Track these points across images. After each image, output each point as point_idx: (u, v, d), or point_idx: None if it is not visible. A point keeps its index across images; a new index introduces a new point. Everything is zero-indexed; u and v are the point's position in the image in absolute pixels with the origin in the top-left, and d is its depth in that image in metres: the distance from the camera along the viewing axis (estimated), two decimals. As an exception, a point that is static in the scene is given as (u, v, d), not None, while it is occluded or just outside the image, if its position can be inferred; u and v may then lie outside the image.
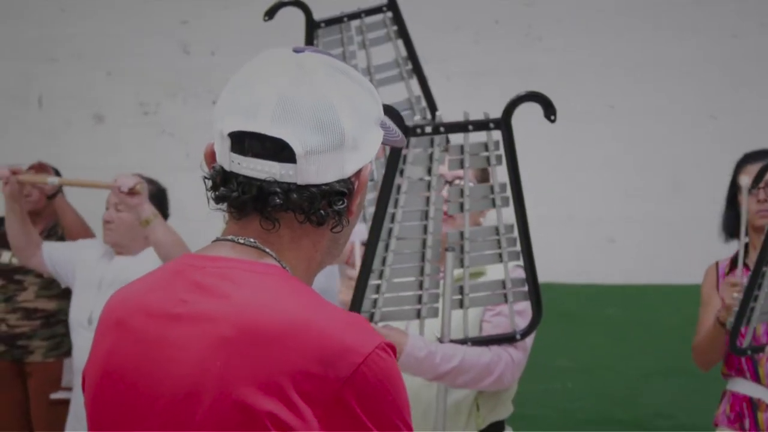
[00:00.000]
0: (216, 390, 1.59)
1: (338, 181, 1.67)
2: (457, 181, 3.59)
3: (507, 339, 3.62)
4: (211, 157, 1.72)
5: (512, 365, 3.60)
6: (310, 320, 1.61)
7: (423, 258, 3.51)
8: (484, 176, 3.68)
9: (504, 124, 3.48)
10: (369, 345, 1.60)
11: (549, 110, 3.46)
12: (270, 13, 4.27)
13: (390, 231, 3.46)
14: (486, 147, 3.52)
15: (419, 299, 3.55)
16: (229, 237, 1.71)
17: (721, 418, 4.33)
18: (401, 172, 3.44)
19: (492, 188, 3.55)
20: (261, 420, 1.56)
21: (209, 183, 1.70)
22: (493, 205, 3.56)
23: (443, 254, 3.54)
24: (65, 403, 5.23)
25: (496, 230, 3.57)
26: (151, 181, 5.12)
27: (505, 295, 3.60)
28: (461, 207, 3.54)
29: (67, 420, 5.23)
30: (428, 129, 3.44)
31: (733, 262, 4.32)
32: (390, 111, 3.44)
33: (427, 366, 3.48)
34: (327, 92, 1.66)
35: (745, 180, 4.19)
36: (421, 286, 3.54)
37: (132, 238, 5.06)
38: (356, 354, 1.59)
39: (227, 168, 1.67)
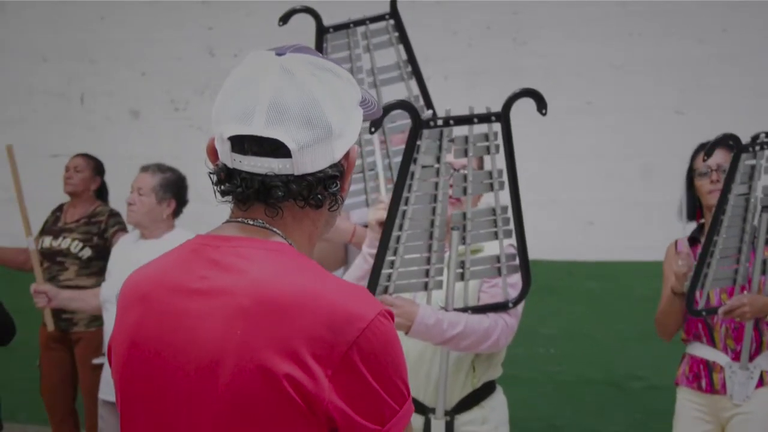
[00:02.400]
0: (237, 356, 1.60)
1: (330, 167, 1.68)
2: (462, 170, 3.61)
3: (501, 307, 3.66)
4: (212, 153, 1.72)
5: (507, 330, 3.64)
6: (319, 291, 1.62)
7: (431, 236, 3.53)
8: (481, 164, 3.72)
9: (503, 117, 3.50)
10: (371, 312, 1.62)
11: (541, 104, 3.49)
12: (284, 19, 4.25)
13: (404, 213, 3.47)
14: (487, 137, 3.54)
15: (427, 273, 3.57)
16: (239, 219, 1.71)
17: (681, 378, 4.35)
18: (415, 161, 3.44)
19: (490, 174, 3.58)
20: (279, 381, 1.57)
21: (215, 178, 1.70)
22: (492, 188, 3.58)
23: (449, 233, 3.57)
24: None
25: (493, 211, 3.60)
26: (171, 169, 5.14)
27: (499, 269, 3.64)
28: (464, 191, 3.57)
29: (100, 385, 5.29)
30: (440, 122, 3.45)
31: (691, 241, 4.35)
32: (406, 106, 3.49)
33: (436, 332, 3.51)
34: (311, 90, 1.65)
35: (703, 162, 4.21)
36: (428, 261, 3.56)
37: (152, 219, 5.06)
38: (361, 320, 1.60)
39: (230, 166, 1.67)
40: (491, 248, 3.66)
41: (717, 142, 3.98)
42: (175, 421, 1.65)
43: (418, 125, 3.44)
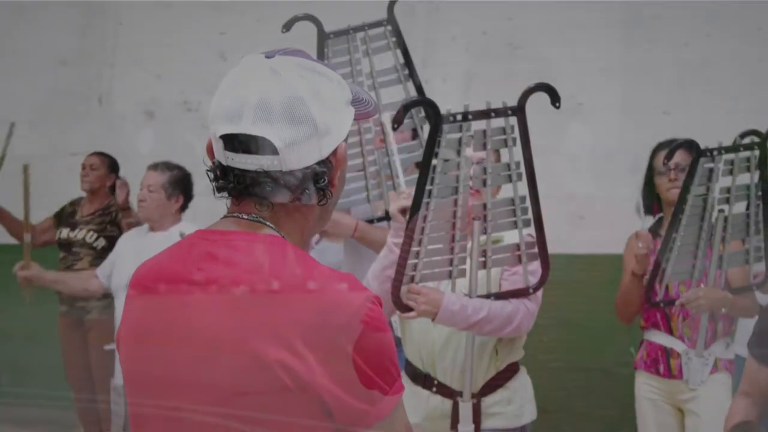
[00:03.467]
0: (232, 344, 1.60)
1: (318, 163, 1.68)
2: (481, 163, 3.59)
3: (522, 293, 3.67)
4: (210, 151, 1.72)
5: (528, 315, 3.67)
6: (308, 280, 1.63)
7: (454, 227, 3.53)
8: (499, 158, 3.73)
9: (519, 110, 3.50)
10: (359, 298, 1.62)
11: (554, 98, 3.49)
12: (287, 26, 4.25)
13: (427, 205, 3.46)
14: (504, 131, 3.54)
15: (450, 262, 3.57)
16: (234, 214, 1.72)
17: (639, 363, 4.41)
18: (436, 155, 3.43)
19: (508, 166, 3.58)
20: (272, 367, 1.57)
21: (211, 175, 1.71)
22: (510, 180, 3.59)
23: (470, 223, 3.57)
24: (118, 352, 5.27)
25: (512, 201, 3.60)
26: (178, 167, 5.20)
27: (519, 257, 3.65)
28: (484, 183, 3.57)
29: (115, 368, 5.32)
30: (459, 117, 3.45)
31: (652, 234, 4.37)
32: (427, 102, 3.49)
33: (461, 318, 3.52)
34: (297, 90, 1.65)
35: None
36: (452, 251, 3.55)
37: (162, 214, 5.13)
38: (349, 306, 1.61)
39: (224, 163, 1.68)
40: (511, 237, 3.66)
41: (677, 146, 4.06)
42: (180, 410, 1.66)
43: (439, 120, 3.43)
